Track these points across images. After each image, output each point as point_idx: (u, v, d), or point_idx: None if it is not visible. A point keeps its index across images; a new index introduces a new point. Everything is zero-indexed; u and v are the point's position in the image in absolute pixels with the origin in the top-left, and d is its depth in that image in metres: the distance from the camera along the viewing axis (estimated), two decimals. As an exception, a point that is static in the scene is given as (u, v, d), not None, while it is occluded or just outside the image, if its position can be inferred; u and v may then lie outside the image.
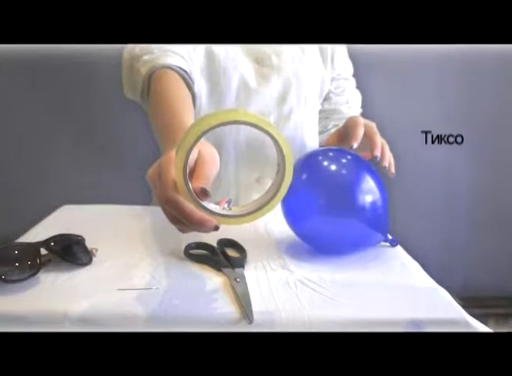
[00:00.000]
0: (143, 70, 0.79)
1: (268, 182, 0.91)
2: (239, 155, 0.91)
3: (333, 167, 0.62)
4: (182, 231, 0.50)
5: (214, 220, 0.46)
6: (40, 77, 1.27)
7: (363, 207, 0.60)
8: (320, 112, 1.01)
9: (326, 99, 1.02)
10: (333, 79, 1.01)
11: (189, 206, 0.46)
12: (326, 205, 0.60)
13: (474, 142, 1.42)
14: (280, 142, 0.51)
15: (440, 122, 1.40)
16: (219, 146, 0.90)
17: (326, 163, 0.62)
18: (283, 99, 0.92)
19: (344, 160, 0.63)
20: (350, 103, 1.01)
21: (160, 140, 0.70)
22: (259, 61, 0.91)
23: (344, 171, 0.62)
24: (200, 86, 0.89)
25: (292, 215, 0.64)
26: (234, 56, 0.90)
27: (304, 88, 0.94)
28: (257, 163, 0.92)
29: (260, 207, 0.53)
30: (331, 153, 0.65)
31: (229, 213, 0.51)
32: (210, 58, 0.89)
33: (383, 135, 0.76)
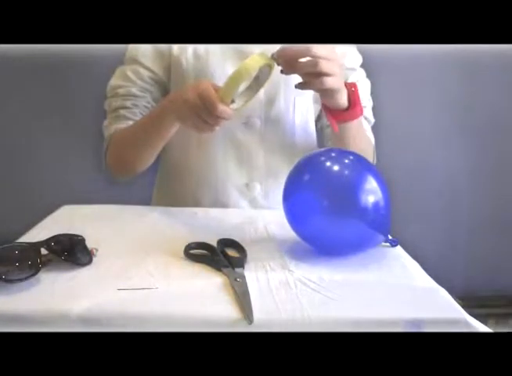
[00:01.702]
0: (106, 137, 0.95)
1: (257, 187, 0.93)
2: (227, 159, 0.91)
3: (336, 167, 0.62)
4: (200, 125, 0.72)
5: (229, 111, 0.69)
6: (39, 77, 1.27)
7: (366, 208, 0.59)
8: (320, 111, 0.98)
9: None
10: None
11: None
12: (329, 206, 0.60)
13: (474, 142, 1.42)
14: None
15: (440, 122, 1.40)
16: (205, 151, 0.92)
17: (328, 163, 0.62)
18: (270, 102, 0.91)
19: (346, 161, 0.63)
20: None
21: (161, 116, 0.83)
22: None
23: (346, 172, 0.62)
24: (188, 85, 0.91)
25: (294, 215, 0.64)
26: (222, 59, 0.90)
27: (294, 91, 0.90)
28: (245, 168, 0.92)
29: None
30: (333, 154, 0.65)
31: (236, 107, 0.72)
32: (198, 60, 0.91)
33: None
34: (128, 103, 0.93)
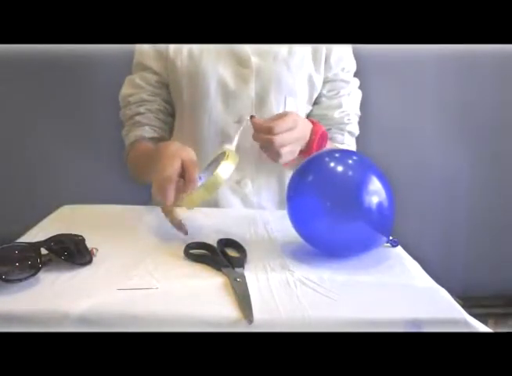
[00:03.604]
0: (126, 143, 0.99)
1: (248, 184, 0.94)
2: None
3: (339, 168, 0.62)
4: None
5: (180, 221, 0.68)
6: (39, 76, 1.27)
7: (370, 209, 0.59)
8: (309, 116, 0.97)
9: (318, 103, 0.98)
10: (327, 80, 0.96)
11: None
12: (332, 207, 0.59)
13: (473, 142, 1.42)
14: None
15: (439, 122, 1.40)
16: (199, 150, 0.91)
17: (332, 164, 0.62)
18: (261, 101, 0.91)
19: (350, 162, 0.62)
20: (343, 107, 0.96)
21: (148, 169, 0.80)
22: (240, 62, 0.91)
23: (350, 173, 0.62)
24: (183, 85, 0.93)
25: (297, 217, 0.64)
26: (216, 58, 0.91)
27: (285, 90, 0.91)
28: (237, 165, 0.92)
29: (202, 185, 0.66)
30: (337, 155, 0.64)
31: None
32: (192, 61, 0.92)
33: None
34: (142, 109, 0.96)
